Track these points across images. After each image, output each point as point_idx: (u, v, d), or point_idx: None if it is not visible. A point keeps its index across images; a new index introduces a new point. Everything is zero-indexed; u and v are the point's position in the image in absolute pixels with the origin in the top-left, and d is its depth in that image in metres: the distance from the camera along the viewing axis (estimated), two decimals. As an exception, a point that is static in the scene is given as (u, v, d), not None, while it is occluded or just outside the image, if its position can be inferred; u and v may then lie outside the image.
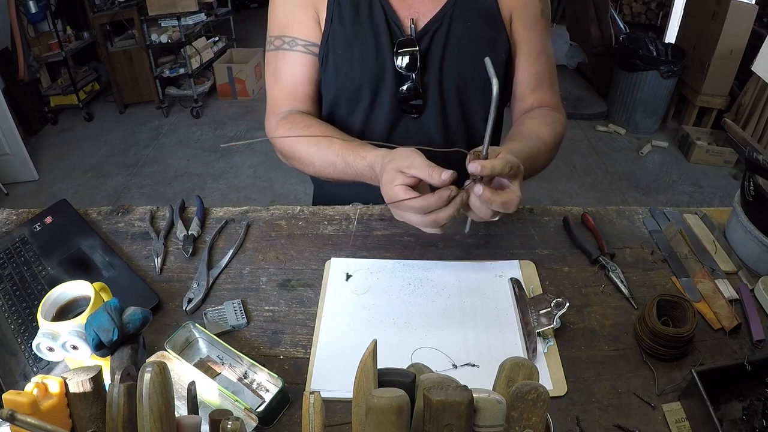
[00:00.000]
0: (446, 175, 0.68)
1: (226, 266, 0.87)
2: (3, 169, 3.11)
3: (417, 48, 0.91)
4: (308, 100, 1.00)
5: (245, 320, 0.77)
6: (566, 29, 4.49)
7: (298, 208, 1.00)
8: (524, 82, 1.00)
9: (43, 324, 0.62)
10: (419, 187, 0.72)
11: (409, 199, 0.69)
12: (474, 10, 0.93)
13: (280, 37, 0.97)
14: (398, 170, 0.71)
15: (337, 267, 0.86)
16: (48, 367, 0.71)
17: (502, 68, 0.98)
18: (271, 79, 1.00)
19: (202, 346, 0.73)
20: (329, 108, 1.02)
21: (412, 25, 0.92)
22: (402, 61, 0.92)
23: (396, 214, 0.75)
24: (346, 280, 0.84)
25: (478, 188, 0.68)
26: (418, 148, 0.73)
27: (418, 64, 0.92)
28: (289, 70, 0.98)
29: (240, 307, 0.78)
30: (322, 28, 0.95)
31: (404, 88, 0.95)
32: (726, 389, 0.66)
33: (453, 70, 0.95)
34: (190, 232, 0.92)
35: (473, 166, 0.67)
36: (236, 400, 0.63)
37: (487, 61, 0.68)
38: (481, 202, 0.68)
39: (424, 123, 1.00)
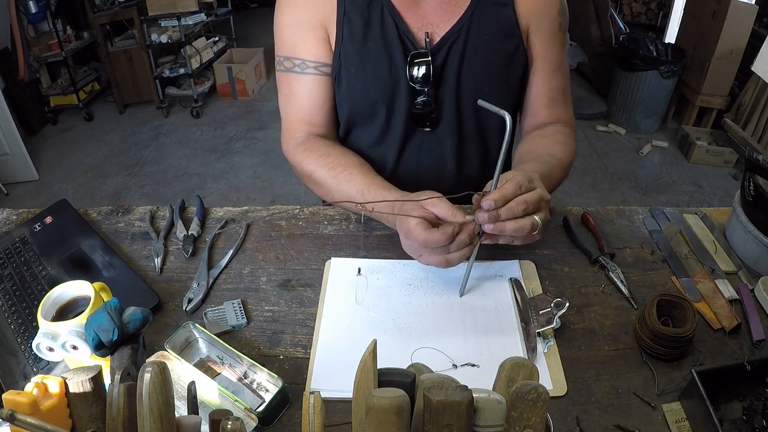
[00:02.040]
0: (470, 217, 0.72)
1: (226, 266, 0.87)
2: (3, 169, 3.11)
3: (430, 59, 0.90)
4: (324, 122, 1.00)
5: (245, 320, 0.77)
6: (566, 29, 4.49)
7: (298, 208, 1.00)
8: (538, 98, 0.99)
9: (43, 324, 0.62)
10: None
11: (415, 221, 0.72)
12: (492, 23, 0.91)
13: (290, 58, 0.96)
14: (420, 205, 0.75)
15: (337, 267, 0.86)
16: (48, 367, 0.71)
17: (517, 82, 0.97)
18: (284, 101, 1.00)
19: (202, 346, 0.73)
20: (345, 124, 1.02)
21: (427, 39, 0.91)
22: (418, 72, 0.90)
23: (404, 245, 0.78)
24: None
25: (487, 227, 0.71)
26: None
27: (431, 77, 0.90)
28: (303, 93, 0.97)
29: (240, 307, 0.78)
30: (333, 46, 0.93)
31: (419, 101, 0.94)
32: (726, 389, 0.66)
33: (470, 83, 0.94)
34: (190, 232, 0.92)
35: (486, 203, 0.69)
36: (236, 400, 0.63)
37: (482, 102, 0.71)
38: (494, 232, 0.71)
39: (439, 136, 0.99)
